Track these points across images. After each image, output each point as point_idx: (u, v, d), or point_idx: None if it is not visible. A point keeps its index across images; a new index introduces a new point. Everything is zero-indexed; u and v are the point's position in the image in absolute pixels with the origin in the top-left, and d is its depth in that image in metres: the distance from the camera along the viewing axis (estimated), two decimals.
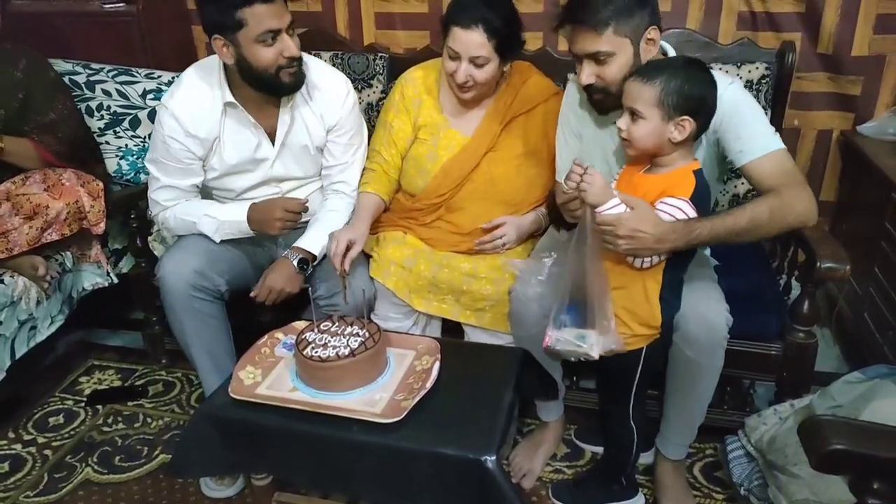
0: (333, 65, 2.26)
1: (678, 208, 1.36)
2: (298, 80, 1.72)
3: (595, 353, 1.41)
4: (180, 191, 1.83)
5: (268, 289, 1.74)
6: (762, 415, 1.70)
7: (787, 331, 1.70)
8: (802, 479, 1.42)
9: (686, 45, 2.11)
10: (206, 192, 1.91)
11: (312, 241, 1.81)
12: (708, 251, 1.76)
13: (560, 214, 1.73)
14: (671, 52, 1.64)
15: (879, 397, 1.43)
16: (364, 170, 1.94)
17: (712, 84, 1.38)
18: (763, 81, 2.04)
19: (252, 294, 1.75)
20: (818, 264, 1.58)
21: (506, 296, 1.70)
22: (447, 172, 1.86)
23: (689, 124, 1.36)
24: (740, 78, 2.00)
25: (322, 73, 1.84)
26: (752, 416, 1.72)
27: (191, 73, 1.79)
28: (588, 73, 1.53)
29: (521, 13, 1.80)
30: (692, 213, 1.36)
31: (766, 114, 2.00)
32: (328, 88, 1.84)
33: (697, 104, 1.35)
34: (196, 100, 1.74)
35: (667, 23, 1.96)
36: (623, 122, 1.40)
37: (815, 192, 2.24)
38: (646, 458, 1.80)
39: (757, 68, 2.04)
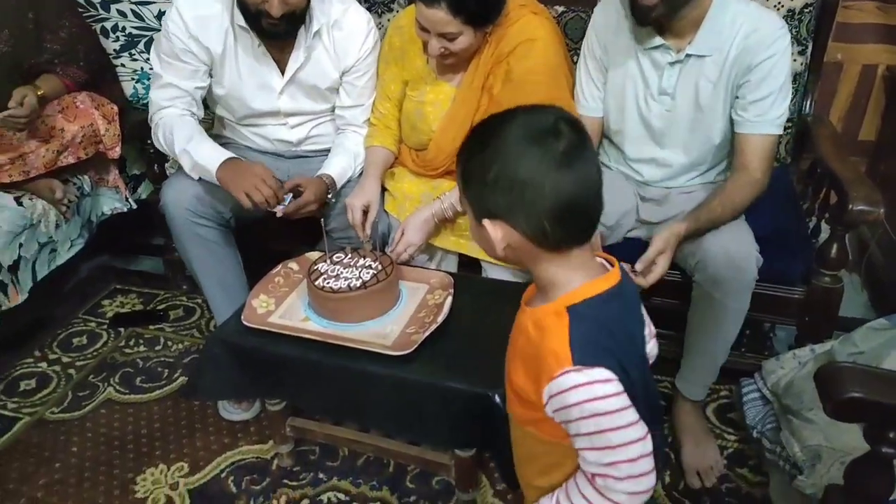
0: None
1: (566, 394, 0.82)
2: (279, 32, 1.66)
3: None
4: (181, 90, 1.76)
5: (306, 202, 1.67)
6: (780, 358, 1.67)
7: (812, 274, 1.65)
8: (816, 424, 1.40)
9: None
10: (214, 106, 1.89)
11: (338, 172, 1.78)
12: None
13: None
14: None
15: None
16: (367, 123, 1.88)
17: (544, 164, 0.81)
18: (806, 11, 1.91)
19: (279, 210, 1.66)
20: (850, 206, 1.51)
21: None
22: (440, 148, 1.75)
23: (495, 232, 0.86)
24: (781, 6, 1.88)
25: (345, 12, 1.77)
26: (770, 360, 1.69)
27: None
28: None
29: None
30: (591, 381, 0.82)
31: (807, 46, 1.91)
32: (349, 28, 1.77)
33: (504, 200, 0.84)
34: (203, 4, 1.70)
35: None
36: None
37: (854, 131, 2.23)
38: None
39: None
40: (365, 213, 1.68)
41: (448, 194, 1.68)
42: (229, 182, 1.64)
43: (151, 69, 1.80)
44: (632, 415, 0.83)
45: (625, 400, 0.82)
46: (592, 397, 0.81)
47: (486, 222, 0.86)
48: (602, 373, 0.82)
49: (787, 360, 1.66)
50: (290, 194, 1.68)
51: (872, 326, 1.52)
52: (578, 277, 0.87)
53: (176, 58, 1.73)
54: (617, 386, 0.82)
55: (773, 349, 1.87)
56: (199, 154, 1.70)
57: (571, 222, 0.84)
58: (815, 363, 1.59)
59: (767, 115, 1.53)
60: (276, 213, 1.65)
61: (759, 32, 1.49)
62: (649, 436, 0.84)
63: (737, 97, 1.55)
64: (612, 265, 0.92)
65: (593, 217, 0.87)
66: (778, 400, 1.60)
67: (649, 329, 1.01)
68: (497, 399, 1.29)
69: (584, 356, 0.82)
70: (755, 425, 1.64)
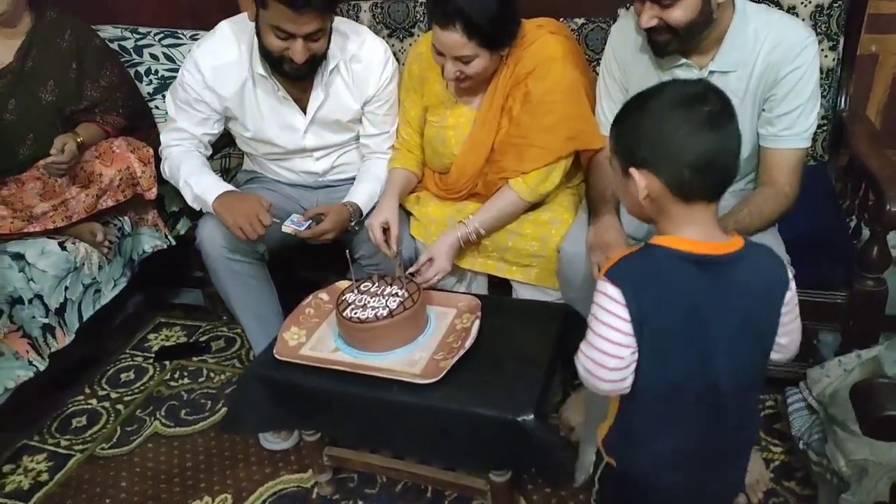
0: (373, 15, 2.20)
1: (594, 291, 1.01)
2: (302, 75, 1.69)
3: None
4: (190, 135, 1.82)
5: (321, 232, 1.71)
6: (825, 366, 1.62)
7: (854, 278, 1.60)
8: (862, 437, 1.34)
9: None
10: (242, 145, 1.94)
11: (364, 199, 1.81)
12: None
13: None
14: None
15: None
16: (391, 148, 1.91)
17: (690, 123, 0.95)
18: (835, 5, 1.85)
19: (298, 233, 1.70)
20: (888, 207, 1.46)
21: (553, 252, 1.65)
22: (461, 171, 1.76)
23: (640, 180, 0.98)
24: (809, 2, 1.83)
25: (362, 44, 1.80)
26: (815, 368, 1.63)
27: (224, 26, 1.78)
28: (650, 16, 1.41)
29: None
30: (604, 288, 0.98)
31: (839, 41, 1.85)
32: (367, 60, 1.80)
33: (652, 152, 0.97)
34: (222, 54, 1.74)
35: None
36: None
37: (894, 124, 2.13)
38: None
39: None
40: (385, 230, 1.69)
41: (472, 218, 1.69)
42: (224, 214, 1.68)
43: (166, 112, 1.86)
44: (611, 343, 0.97)
45: (614, 324, 0.96)
46: (598, 300, 0.99)
47: (633, 171, 0.98)
48: (612, 291, 0.96)
49: (832, 368, 1.61)
50: (310, 220, 1.72)
51: None
52: (687, 231, 0.99)
53: (189, 105, 1.79)
54: (616, 308, 0.96)
55: (819, 356, 1.80)
56: (199, 186, 1.76)
57: (708, 176, 0.96)
58: (861, 370, 1.53)
59: (794, 128, 1.48)
60: (288, 231, 1.70)
61: (783, 45, 1.44)
62: (615, 361, 0.97)
63: (763, 110, 1.51)
64: (736, 242, 1.00)
65: (726, 176, 0.98)
66: (824, 409, 1.54)
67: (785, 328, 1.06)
68: (526, 424, 1.28)
69: (614, 273, 0.97)
70: (801, 436, 1.59)
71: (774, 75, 1.46)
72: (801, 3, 1.83)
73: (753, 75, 1.48)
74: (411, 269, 1.66)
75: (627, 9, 1.53)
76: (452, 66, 1.59)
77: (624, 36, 1.62)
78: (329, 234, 1.73)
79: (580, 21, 2.03)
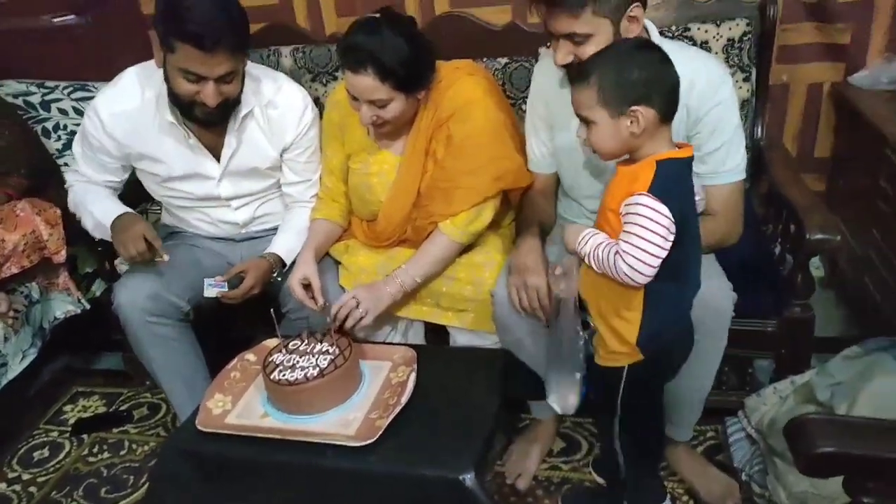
0: (294, 60, 2.16)
1: (636, 204, 1.20)
2: (214, 120, 1.64)
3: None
4: (91, 182, 1.79)
5: (246, 289, 1.67)
6: (762, 394, 1.64)
7: (783, 305, 1.62)
8: None
9: (663, 5, 1.99)
10: (155, 195, 1.88)
11: (285, 250, 1.76)
12: None
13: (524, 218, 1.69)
14: (653, 30, 1.52)
15: (879, 375, 1.37)
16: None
17: (657, 61, 1.23)
18: (745, 38, 1.92)
19: (224, 295, 1.67)
20: (807, 235, 1.49)
21: (488, 296, 1.62)
22: (389, 219, 1.73)
23: (642, 113, 1.20)
24: (720, 37, 1.89)
25: (279, 90, 1.76)
26: (752, 396, 1.65)
27: (130, 74, 1.72)
28: (564, 53, 1.43)
29: None
30: (655, 206, 1.18)
31: (751, 72, 1.91)
32: (284, 106, 1.75)
33: (644, 89, 1.20)
34: (125, 103, 1.68)
35: None
36: (581, 131, 1.30)
37: (809, 149, 2.23)
38: None
39: (738, 25, 1.91)
40: (307, 286, 1.63)
41: (405, 268, 1.64)
42: (114, 236, 1.65)
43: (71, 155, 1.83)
44: (659, 247, 1.19)
45: (665, 234, 1.18)
46: (649, 214, 1.18)
47: (635, 108, 1.19)
48: (663, 208, 1.18)
49: (768, 396, 1.62)
50: (225, 283, 1.67)
51: (847, 355, 1.50)
52: (665, 148, 1.25)
53: (93, 152, 1.74)
54: (667, 223, 1.18)
55: (755, 383, 1.82)
56: (99, 212, 1.72)
57: (676, 99, 1.24)
58: (795, 397, 1.55)
59: (727, 163, 1.50)
60: (212, 296, 1.66)
61: (699, 85, 1.45)
62: (659, 259, 1.19)
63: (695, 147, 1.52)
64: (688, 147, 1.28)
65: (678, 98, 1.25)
66: (763, 439, 1.55)
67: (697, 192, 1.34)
68: (468, 483, 1.23)
69: (656, 191, 1.18)
70: (743, 467, 1.60)
71: (695, 116, 1.47)
72: (714, 37, 1.89)
73: (677, 116, 1.50)
74: (332, 310, 1.58)
75: (548, 47, 1.55)
76: (368, 110, 1.56)
77: (547, 76, 1.63)
78: (254, 289, 1.67)
79: (503, 60, 2.03)
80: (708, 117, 1.46)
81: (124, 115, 1.68)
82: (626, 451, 1.46)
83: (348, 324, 1.57)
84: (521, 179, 1.67)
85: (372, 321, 1.60)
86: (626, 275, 1.21)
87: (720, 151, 1.49)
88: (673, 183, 1.21)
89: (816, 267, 2.13)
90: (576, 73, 1.36)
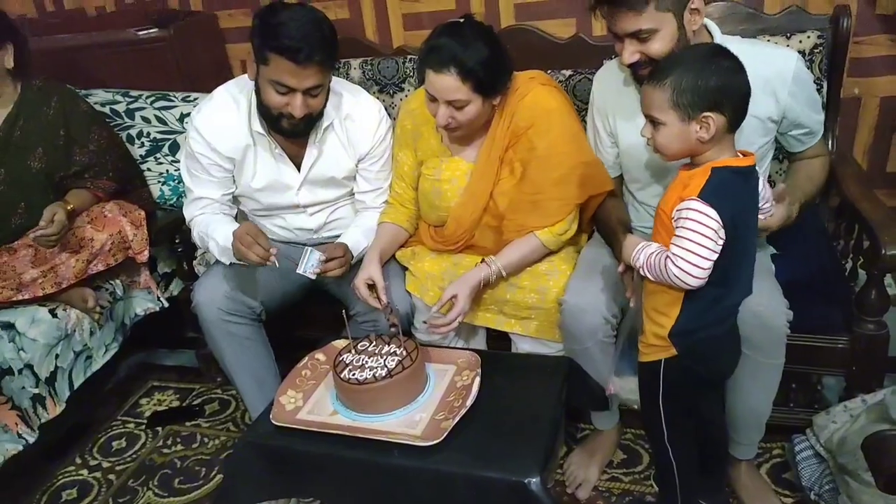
0: (363, 72, 2.23)
1: (686, 209, 1.24)
2: (298, 132, 1.70)
3: None
4: (211, 201, 1.82)
5: (345, 262, 1.71)
6: (831, 412, 1.60)
7: (854, 322, 1.58)
8: (876, 487, 1.31)
9: (730, 18, 1.98)
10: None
11: (352, 242, 1.80)
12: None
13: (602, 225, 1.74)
14: (715, 31, 1.54)
15: None
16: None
17: (733, 70, 1.25)
18: (816, 51, 1.89)
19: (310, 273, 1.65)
20: (883, 251, 1.46)
21: (552, 304, 1.64)
22: (458, 222, 1.76)
23: (713, 120, 1.23)
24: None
25: (356, 103, 1.82)
26: (821, 414, 1.61)
27: (222, 90, 1.80)
28: (631, 52, 1.46)
29: None
30: (704, 209, 1.22)
31: (822, 86, 1.88)
32: (361, 118, 1.81)
33: (718, 96, 1.23)
34: (221, 117, 1.75)
35: None
36: (646, 130, 1.33)
37: (881, 164, 2.19)
38: None
39: (808, 37, 1.89)
40: (371, 286, 1.68)
41: (494, 259, 1.67)
42: (241, 254, 1.63)
43: (182, 183, 1.86)
44: (709, 249, 1.22)
45: (714, 237, 1.22)
46: (699, 218, 1.21)
47: (706, 114, 1.23)
48: (712, 212, 1.21)
49: (838, 414, 1.58)
50: (321, 259, 1.66)
51: None
52: (727, 154, 1.28)
53: (205, 172, 1.78)
54: (716, 226, 1.21)
55: (823, 401, 1.78)
56: (220, 236, 1.74)
57: (745, 108, 1.27)
58: (867, 416, 1.51)
59: (816, 133, 1.65)
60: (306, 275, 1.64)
61: (772, 67, 1.50)
62: (710, 262, 1.23)
63: (779, 132, 1.60)
64: (750, 157, 1.30)
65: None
66: (833, 458, 1.51)
67: (767, 199, 1.39)
68: (533, 486, 1.25)
69: (707, 195, 1.22)
70: (812, 486, 1.56)
71: (775, 97, 1.53)
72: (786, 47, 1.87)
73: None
74: (434, 309, 1.65)
75: (612, 58, 1.57)
76: (445, 111, 1.61)
77: (606, 82, 1.67)
78: (338, 263, 1.69)
79: (567, 72, 2.06)
80: (790, 103, 1.55)
81: (223, 128, 1.75)
82: (678, 463, 1.46)
83: (451, 315, 1.62)
84: (605, 183, 1.71)
85: (469, 305, 1.65)
86: (677, 277, 1.24)
87: (812, 124, 1.62)
88: (726, 189, 1.24)
89: (889, 284, 2.07)
90: (648, 73, 1.38)
